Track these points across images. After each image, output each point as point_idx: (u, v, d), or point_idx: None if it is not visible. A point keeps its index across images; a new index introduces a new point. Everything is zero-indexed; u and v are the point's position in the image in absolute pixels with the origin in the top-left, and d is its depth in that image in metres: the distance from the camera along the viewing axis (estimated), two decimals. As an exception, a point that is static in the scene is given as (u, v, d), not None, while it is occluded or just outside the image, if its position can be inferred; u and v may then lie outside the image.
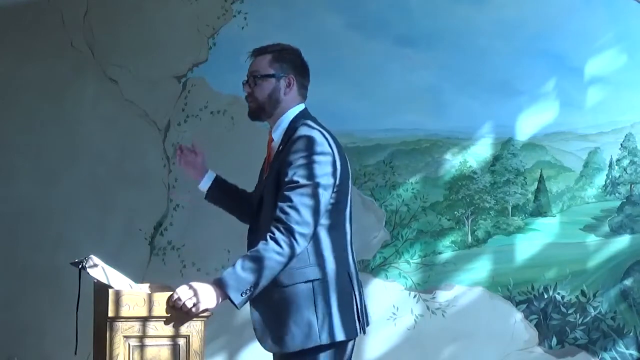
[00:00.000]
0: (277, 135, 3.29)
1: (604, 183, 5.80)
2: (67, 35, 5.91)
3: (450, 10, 5.79)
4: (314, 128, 3.22)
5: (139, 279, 4.17)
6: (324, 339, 3.13)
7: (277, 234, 3.06)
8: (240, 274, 3.06)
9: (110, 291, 3.54)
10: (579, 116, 5.77)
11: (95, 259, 3.70)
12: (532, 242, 5.77)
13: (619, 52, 5.77)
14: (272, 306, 3.19)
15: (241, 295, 3.07)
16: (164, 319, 3.44)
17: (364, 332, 3.29)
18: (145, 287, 3.83)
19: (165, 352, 3.56)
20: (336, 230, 3.20)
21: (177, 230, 5.82)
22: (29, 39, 5.91)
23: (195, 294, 3.09)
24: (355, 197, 5.87)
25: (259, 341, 3.33)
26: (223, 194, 3.56)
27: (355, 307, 3.21)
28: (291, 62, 3.35)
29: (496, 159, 5.82)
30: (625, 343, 5.68)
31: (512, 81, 5.77)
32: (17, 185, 5.85)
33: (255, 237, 3.27)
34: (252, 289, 3.07)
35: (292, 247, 3.06)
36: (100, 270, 3.66)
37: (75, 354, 3.83)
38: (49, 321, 5.66)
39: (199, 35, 5.89)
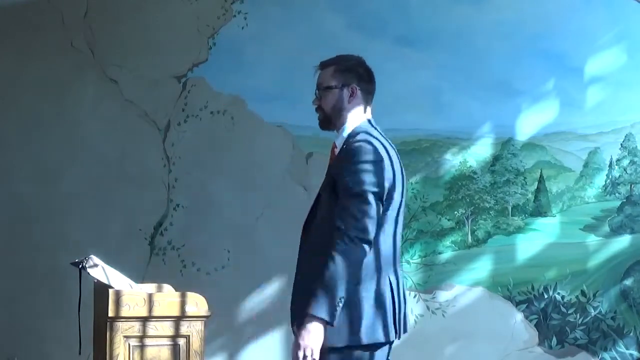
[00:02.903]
0: (339, 142, 3.35)
1: (604, 183, 5.80)
2: (67, 35, 5.91)
3: (450, 10, 5.79)
4: (370, 136, 3.28)
5: (139, 279, 4.17)
6: (357, 341, 3.18)
7: (339, 245, 3.13)
8: (324, 299, 3.14)
9: (110, 291, 3.55)
10: (579, 116, 5.77)
11: (95, 259, 3.70)
12: (532, 242, 5.77)
13: (619, 52, 5.77)
14: (307, 305, 3.22)
15: (335, 313, 3.13)
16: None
17: (399, 338, 3.33)
18: (148, 287, 3.83)
19: (165, 352, 3.57)
20: (384, 235, 3.25)
21: (177, 230, 5.81)
22: (29, 39, 5.90)
23: (307, 346, 3.15)
24: (355, 197, 5.86)
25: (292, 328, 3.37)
26: None
27: (394, 311, 3.26)
28: (354, 72, 3.39)
29: (496, 159, 5.82)
30: (625, 343, 5.68)
31: (512, 81, 5.77)
32: (17, 185, 5.84)
33: (307, 235, 3.37)
34: (340, 302, 3.14)
35: (355, 253, 3.13)
36: (100, 270, 3.67)
37: (80, 353, 3.84)
38: (49, 321, 5.65)
39: (199, 35, 5.89)
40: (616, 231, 5.75)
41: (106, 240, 5.70)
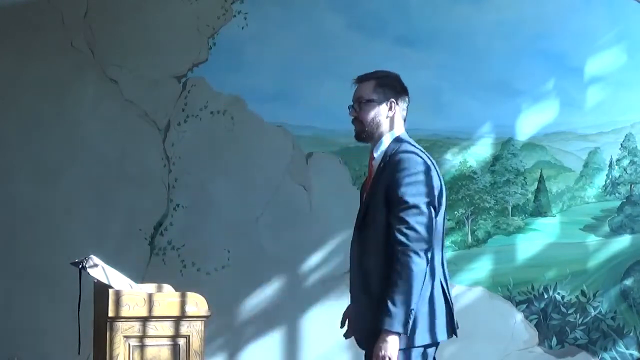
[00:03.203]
0: (378, 154, 3.53)
1: (604, 183, 5.80)
2: (67, 35, 5.91)
3: (450, 10, 5.79)
4: (414, 148, 3.49)
5: (139, 279, 4.17)
6: (414, 342, 3.37)
7: (403, 258, 3.30)
8: (396, 312, 3.29)
9: (110, 291, 3.55)
10: (579, 116, 5.77)
11: (95, 259, 3.70)
12: (532, 242, 5.77)
13: (619, 52, 5.77)
14: (369, 308, 3.38)
15: (408, 324, 3.31)
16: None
17: (456, 335, 3.52)
18: (148, 287, 3.83)
19: (165, 352, 3.56)
20: (436, 240, 3.43)
21: (177, 230, 5.81)
22: (29, 39, 5.90)
23: (386, 356, 3.32)
24: (355, 197, 5.86)
25: (357, 340, 3.51)
26: None
27: (448, 312, 3.45)
28: (393, 87, 3.60)
29: (496, 159, 5.82)
30: (625, 343, 5.67)
31: (512, 81, 5.77)
32: (17, 185, 5.84)
33: (360, 248, 3.49)
34: (411, 313, 3.32)
35: (420, 265, 3.30)
36: (100, 270, 3.67)
37: (79, 353, 3.83)
38: (49, 321, 5.65)
39: (199, 35, 5.89)
40: (616, 231, 5.75)
41: (106, 240, 5.70)
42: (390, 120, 3.56)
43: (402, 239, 3.31)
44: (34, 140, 5.87)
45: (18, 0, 5.93)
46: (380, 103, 3.55)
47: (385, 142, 3.53)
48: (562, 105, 5.78)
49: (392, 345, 3.29)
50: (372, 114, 3.54)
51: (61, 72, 5.88)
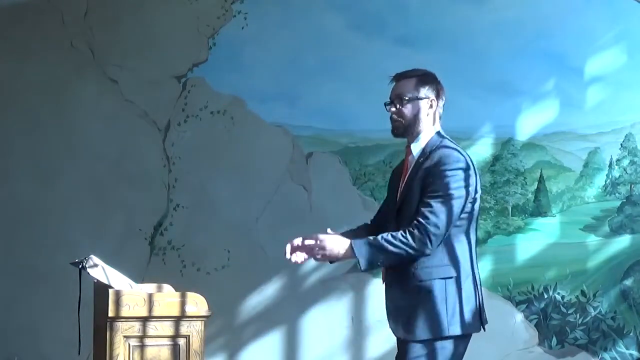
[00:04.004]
0: (417, 150, 3.62)
1: (604, 183, 5.80)
2: (67, 35, 5.91)
3: (449, 10, 5.79)
4: (452, 147, 3.59)
5: (139, 279, 4.17)
6: (452, 331, 3.48)
7: (416, 232, 3.43)
8: (374, 248, 3.45)
9: (110, 291, 3.54)
10: (579, 116, 5.77)
11: (95, 259, 3.70)
12: (532, 242, 5.77)
13: (619, 52, 5.77)
14: (407, 298, 3.49)
15: (367, 264, 3.46)
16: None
17: (484, 329, 3.63)
18: (148, 287, 3.83)
19: (165, 352, 3.56)
20: (468, 235, 3.56)
21: (177, 230, 5.81)
22: (29, 39, 5.90)
23: (330, 248, 3.49)
24: (355, 197, 5.86)
25: (392, 330, 3.58)
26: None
27: (477, 305, 3.56)
28: (433, 85, 3.70)
29: (496, 159, 5.82)
30: (625, 343, 5.68)
31: (512, 81, 5.77)
32: (17, 185, 5.84)
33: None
34: (378, 263, 3.48)
35: (424, 245, 3.43)
36: (100, 270, 3.66)
37: (79, 353, 3.83)
38: (49, 321, 5.65)
39: (199, 35, 5.89)
40: (616, 231, 5.75)
41: (106, 240, 5.70)
42: (429, 117, 3.64)
43: (421, 219, 3.42)
44: (34, 140, 5.87)
45: (18, 0, 5.93)
46: (422, 100, 3.63)
47: (424, 138, 3.61)
48: (562, 105, 5.78)
49: (337, 250, 3.45)
50: (413, 111, 3.62)
51: (61, 72, 5.88)
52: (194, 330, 3.60)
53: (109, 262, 3.80)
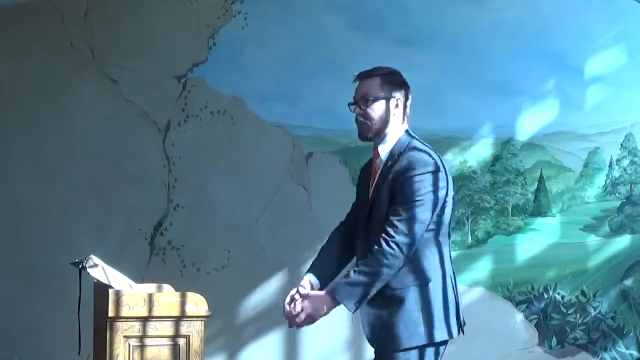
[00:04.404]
0: (384, 152, 3.49)
1: (604, 183, 5.80)
2: (67, 35, 5.91)
3: (449, 10, 5.79)
4: (422, 149, 3.46)
5: (139, 279, 4.17)
6: (431, 338, 3.35)
7: (385, 247, 3.31)
8: (353, 286, 3.32)
9: (110, 291, 3.54)
10: (579, 116, 5.78)
11: (95, 259, 3.70)
12: (532, 242, 5.77)
13: (619, 52, 5.78)
14: (382, 307, 3.38)
15: (355, 305, 3.33)
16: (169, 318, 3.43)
17: (463, 333, 3.50)
18: (148, 287, 3.83)
19: (165, 352, 3.56)
20: (441, 238, 3.44)
21: (177, 230, 5.81)
22: (29, 39, 5.90)
23: (309, 308, 3.35)
24: (354, 198, 5.86)
25: (369, 340, 3.45)
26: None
27: (454, 308, 3.44)
28: (398, 84, 3.56)
29: (496, 159, 5.82)
30: (625, 343, 5.68)
31: (512, 81, 5.77)
32: (17, 185, 5.84)
33: (364, 242, 3.47)
34: (364, 298, 3.33)
35: (397, 258, 3.31)
36: (100, 270, 3.66)
37: (79, 353, 3.83)
38: (49, 321, 5.65)
39: (199, 35, 5.89)
40: (616, 231, 5.76)
41: (106, 240, 5.70)
42: (396, 117, 3.51)
43: (390, 230, 3.30)
44: (34, 140, 5.87)
45: (18, 0, 5.93)
46: (387, 100, 3.51)
47: (392, 139, 3.49)
48: (562, 105, 5.78)
49: (321, 308, 3.31)
50: (380, 112, 3.49)
51: (61, 72, 5.88)
52: (194, 330, 3.60)
53: (109, 262, 3.80)
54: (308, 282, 3.49)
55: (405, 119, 3.55)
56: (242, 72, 5.84)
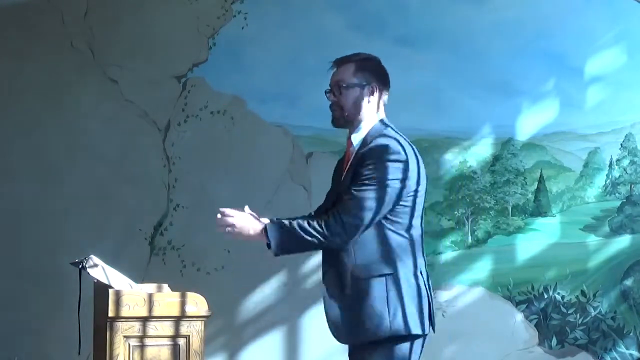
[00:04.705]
0: (357, 140, 3.41)
1: (604, 183, 5.80)
2: (67, 35, 5.91)
3: (449, 10, 5.79)
4: (391, 136, 3.37)
5: (139, 279, 4.16)
6: (395, 330, 3.25)
7: (331, 221, 3.27)
8: (289, 233, 3.31)
9: (110, 291, 3.54)
10: (579, 116, 5.78)
11: (95, 259, 3.70)
12: (532, 242, 5.77)
13: (619, 52, 5.78)
14: (346, 299, 3.33)
15: (276, 249, 3.34)
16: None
17: (434, 330, 3.43)
18: (148, 287, 3.83)
19: (165, 352, 3.56)
20: (410, 231, 3.35)
21: (177, 230, 5.81)
22: (29, 39, 5.90)
23: (240, 222, 3.36)
24: (355, 197, 5.86)
25: (333, 334, 3.40)
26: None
27: (427, 305, 3.35)
28: (374, 70, 3.46)
29: (496, 159, 5.82)
30: (625, 343, 5.68)
31: (512, 81, 5.77)
32: (17, 185, 5.84)
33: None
34: (287, 249, 3.37)
35: (338, 235, 3.27)
36: (100, 270, 3.66)
37: (79, 353, 3.83)
38: (49, 321, 5.65)
39: (199, 35, 5.89)
40: (616, 231, 5.76)
41: (106, 240, 5.70)
42: (371, 105, 3.42)
43: (340, 207, 3.27)
44: (34, 140, 5.87)
45: (18, 0, 5.93)
46: (361, 87, 3.41)
47: (365, 127, 3.40)
48: (562, 105, 5.78)
49: (248, 229, 3.33)
50: (352, 99, 3.40)
51: (61, 72, 5.88)
52: (194, 330, 3.60)
53: (109, 262, 3.80)
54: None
55: (382, 108, 3.47)
56: (242, 72, 5.84)
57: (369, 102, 3.42)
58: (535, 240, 5.77)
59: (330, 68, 3.51)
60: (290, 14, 5.84)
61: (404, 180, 3.30)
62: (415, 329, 3.30)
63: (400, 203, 3.31)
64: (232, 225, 3.35)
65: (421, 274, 3.36)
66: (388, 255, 3.30)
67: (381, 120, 3.44)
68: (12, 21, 5.91)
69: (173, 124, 5.87)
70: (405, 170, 3.31)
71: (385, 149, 3.30)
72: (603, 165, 5.79)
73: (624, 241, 5.74)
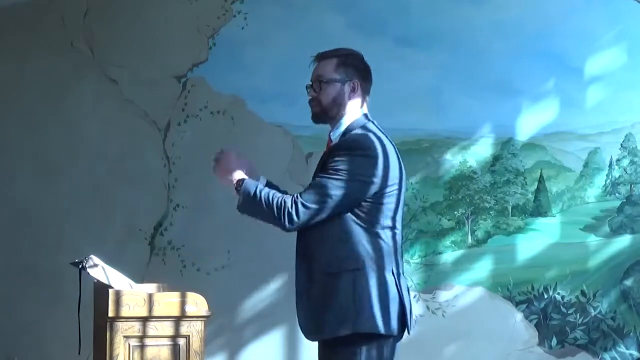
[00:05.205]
0: (335, 136, 3.37)
1: (604, 183, 5.80)
2: (67, 35, 5.91)
3: (449, 10, 5.79)
4: (370, 130, 3.32)
5: (139, 279, 4.17)
6: (357, 327, 3.18)
7: (287, 202, 3.26)
8: (253, 195, 3.40)
9: (110, 291, 3.55)
10: (579, 116, 5.77)
11: (95, 259, 3.70)
12: (532, 242, 5.77)
13: (619, 52, 5.77)
14: (315, 294, 3.28)
15: (240, 205, 3.46)
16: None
17: (409, 333, 3.34)
18: (148, 287, 3.83)
19: (165, 352, 3.57)
20: (383, 229, 3.28)
21: (177, 230, 5.81)
22: (29, 39, 5.90)
23: (226, 169, 3.50)
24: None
25: (302, 330, 3.35)
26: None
27: (398, 305, 3.26)
28: (356, 66, 3.42)
29: (496, 159, 5.82)
30: (625, 343, 5.68)
31: (512, 81, 5.77)
32: (17, 185, 5.84)
33: (301, 233, 3.41)
34: (249, 213, 3.48)
35: (288, 217, 3.27)
36: (100, 270, 3.67)
37: (79, 353, 3.83)
38: (49, 321, 5.65)
39: (199, 35, 5.89)
40: (616, 231, 5.75)
41: (106, 240, 5.70)
42: (354, 102, 3.36)
43: (301, 191, 3.26)
44: (34, 140, 5.87)
45: (18, 0, 5.93)
46: (342, 83, 3.36)
47: (345, 124, 3.34)
48: (562, 105, 5.78)
49: (228, 173, 3.49)
50: (332, 95, 3.34)
51: (61, 72, 5.88)
52: (194, 330, 3.60)
53: (109, 262, 3.81)
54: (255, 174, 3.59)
55: (364, 105, 3.40)
56: (242, 72, 5.84)
57: (349, 98, 3.36)
58: (535, 240, 5.77)
59: (311, 63, 3.46)
60: (290, 14, 5.83)
61: (371, 176, 3.23)
62: (379, 329, 3.21)
63: (369, 200, 3.25)
64: (219, 162, 3.46)
65: (393, 274, 3.28)
66: (356, 251, 3.23)
67: (364, 115, 3.39)
68: (12, 21, 5.91)
69: (173, 124, 5.87)
70: (375, 166, 3.24)
71: (357, 142, 3.25)
72: (603, 165, 5.79)
73: (624, 241, 5.74)
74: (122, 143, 5.86)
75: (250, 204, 3.38)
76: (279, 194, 3.33)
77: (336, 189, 3.21)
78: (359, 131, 3.30)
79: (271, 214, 3.31)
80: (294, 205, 3.24)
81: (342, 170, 3.21)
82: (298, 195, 3.26)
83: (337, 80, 3.36)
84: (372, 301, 3.21)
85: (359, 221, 3.25)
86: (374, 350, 3.23)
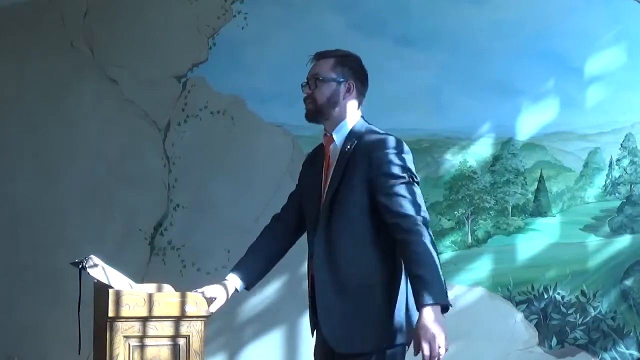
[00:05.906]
0: (340, 139, 3.33)
1: (604, 183, 5.80)
2: (67, 35, 5.91)
3: (449, 10, 5.79)
4: (386, 132, 3.30)
5: (139, 279, 4.16)
6: (394, 340, 3.17)
7: (414, 227, 3.07)
8: (432, 282, 3.03)
9: (110, 291, 3.54)
10: (579, 116, 5.77)
11: (95, 259, 3.70)
12: (532, 242, 5.77)
13: (619, 52, 5.77)
14: (349, 307, 3.20)
15: (446, 295, 3.07)
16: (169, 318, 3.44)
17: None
18: (148, 287, 3.83)
19: (165, 352, 3.56)
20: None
21: (177, 230, 5.81)
22: (29, 39, 5.90)
23: (437, 337, 3.03)
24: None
25: (329, 341, 3.26)
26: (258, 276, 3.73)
27: (413, 315, 3.23)
28: (353, 68, 3.40)
29: (496, 159, 5.82)
30: (625, 343, 5.68)
31: (512, 81, 5.77)
32: (17, 185, 5.85)
33: (324, 232, 3.28)
34: (445, 282, 3.08)
35: (422, 235, 3.07)
36: (100, 270, 3.66)
37: (79, 353, 3.83)
38: (49, 321, 5.65)
39: (199, 35, 5.89)
40: (616, 231, 5.75)
41: (106, 240, 5.70)
42: (351, 103, 3.35)
43: (404, 211, 3.08)
44: (34, 140, 5.87)
45: (18, 0, 5.93)
46: (338, 83, 3.35)
47: (347, 125, 3.33)
48: (562, 105, 5.78)
49: (438, 318, 3.00)
50: (327, 94, 3.33)
51: (61, 72, 5.89)
52: (194, 330, 3.60)
53: (109, 262, 3.80)
54: (233, 285, 3.50)
55: (360, 106, 3.40)
56: (242, 72, 5.84)
57: (344, 98, 3.36)
58: (535, 240, 5.77)
59: (309, 61, 3.46)
60: (290, 14, 5.84)
61: (415, 171, 3.24)
62: (407, 340, 3.20)
63: None
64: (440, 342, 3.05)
65: (406, 282, 3.24)
66: (385, 261, 3.20)
67: (362, 118, 3.39)
68: (12, 21, 5.91)
69: (173, 124, 5.87)
70: (412, 162, 3.25)
71: (392, 142, 3.22)
72: (603, 165, 5.79)
73: (624, 241, 5.74)
74: (122, 143, 5.87)
75: (440, 287, 3.06)
76: (410, 250, 3.06)
77: (417, 190, 3.18)
78: (377, 134, 3.27)
79: (435, 252, 3.08)
80: (414, 223, 3.08)
81: (406, 170, 3.18)
82: (402, 212, 3.10)
83: (333, 79, 3.36)
84: (402, 312, 3.19)
85: (385, 231, 3.18)
86: (402, 354, 3.23)
